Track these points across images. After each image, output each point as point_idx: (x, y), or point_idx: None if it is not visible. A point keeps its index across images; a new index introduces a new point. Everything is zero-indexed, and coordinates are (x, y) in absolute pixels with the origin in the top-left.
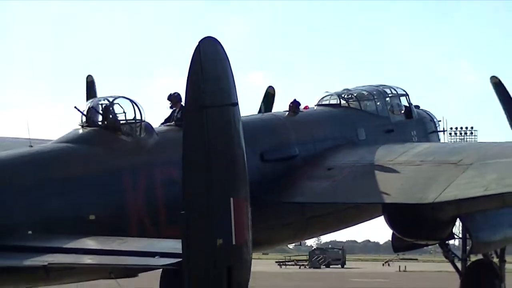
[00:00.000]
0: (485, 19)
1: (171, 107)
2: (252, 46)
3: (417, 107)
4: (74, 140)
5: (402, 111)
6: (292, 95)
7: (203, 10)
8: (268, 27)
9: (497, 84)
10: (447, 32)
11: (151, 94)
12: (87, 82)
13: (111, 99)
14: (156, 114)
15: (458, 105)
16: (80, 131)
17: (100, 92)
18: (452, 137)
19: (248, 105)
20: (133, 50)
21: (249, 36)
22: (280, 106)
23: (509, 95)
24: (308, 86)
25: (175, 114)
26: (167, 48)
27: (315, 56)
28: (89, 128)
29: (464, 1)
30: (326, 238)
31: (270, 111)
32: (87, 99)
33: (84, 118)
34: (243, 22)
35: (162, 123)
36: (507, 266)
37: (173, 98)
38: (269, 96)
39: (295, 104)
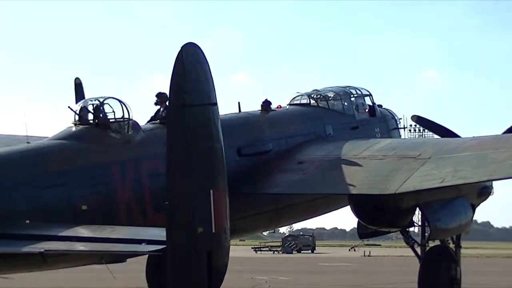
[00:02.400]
0: (445, 21)
1: (156, 104)
2: (238, 48)
3: (380, 106)
4: (67, 137)
5: (366, 110)
6: (273, 94)
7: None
8: (254, 30)
9: (419, 119)
10: (410, 35)
11: (146, 94)
12: (75, 84)
13: (101, 100)
14: (149, 112)
15: (418, 104)
16: (73, 128)
17: (93, 92)
18: (412, 134)
19: (234, 103)
20: (128, 53)
21: (235, 38)
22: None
23: (432, 122)
24: (289, 85)
25: (160, 113)
26: (160, 50)
27: (296, 56)
28: (81, 126)
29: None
30: (297, 225)
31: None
32: (76, 100)
33: (76, 117)
34: (231, 25)
35: (148, 121)
36: (462, 251)
37: (161, 97)
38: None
39: (266, 104)
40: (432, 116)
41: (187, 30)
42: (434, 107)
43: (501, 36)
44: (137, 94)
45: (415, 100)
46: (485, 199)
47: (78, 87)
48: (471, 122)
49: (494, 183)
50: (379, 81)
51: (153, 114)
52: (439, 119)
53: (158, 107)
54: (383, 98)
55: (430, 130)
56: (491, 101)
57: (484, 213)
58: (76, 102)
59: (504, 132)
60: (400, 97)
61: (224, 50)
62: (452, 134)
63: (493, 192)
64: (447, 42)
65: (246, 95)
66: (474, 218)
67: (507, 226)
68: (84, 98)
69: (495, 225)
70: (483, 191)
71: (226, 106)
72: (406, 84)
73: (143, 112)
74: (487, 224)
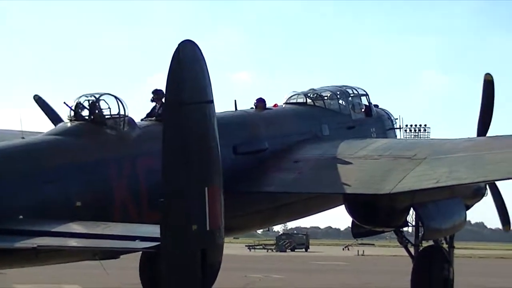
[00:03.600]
0: (445, 21)
1: (153, 100)
2: (240, 47)
3: (376, 106)
4: (63, 133)
5: (363, 110)
6: (274, 93)
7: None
8: (256, 29)
9: (489, 82)
10: (409, 36)
11: (145, 92)
12: (36, 101)
13: (97, 96)
14: (146, 110)
15: (413, 104)
16: (69, 124)
17: (92, 90)
18: (407, 134)
19: (235, 101)
20: (129, 52)
21: (237, 38)
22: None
23: (493, 97)
24: (290, 85)
25: (157, 110)
26: (161, 49)
27: (297, 56)
28: (76, 122)
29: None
30: (292, 224)
31: None
32: (46, 113)
33: (72, 113)
34: (231, 25)
35: (144, 118)
36: (455, 251)
37: (158, 94)
38: None
39: (260, 102)
40: (430, 115)
41: (189, 29)
42: (433, 107)
43: (501, 37)
44: (137, 93)
45: (414, 100)
46: (479, 200)
47: (41, 102)
48: (469, 122)
49: (489, 185)
50: (379, 80)
51: (149, 111)
52: (436, 119)
53: (154, 104)
54: (382, 98)
55: (484, 101)
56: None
57: (478, 214)
58: (47, 114)
59: (477, 131)
60: (399, 97)
61: (226, 49)
62: None
63: (487, 193)
64: (447, 42)
65: (248, 94)
66: (468, 219)
67: (501, 227)
68: (51, 109)
69: (489, 226)
70: (477, 192)
71: (226, 105)
72: (405, 84)
73: (141, 110)
74: (480, 225)
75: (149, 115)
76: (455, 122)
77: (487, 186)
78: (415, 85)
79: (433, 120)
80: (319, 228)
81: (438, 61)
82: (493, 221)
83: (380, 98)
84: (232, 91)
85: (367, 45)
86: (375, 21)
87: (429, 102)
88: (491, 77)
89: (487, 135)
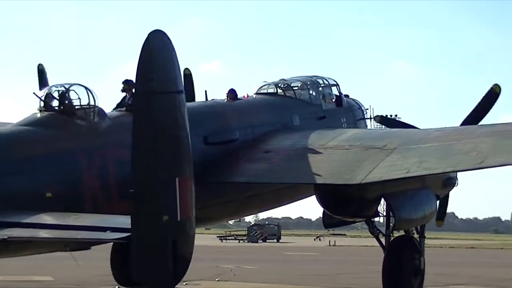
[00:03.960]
0: (416, 13)
1: (123, 91)
2: (210, 37)
3: (347, 96)
4: (32, 123)
5: (333, 100)
6: (246, 83)
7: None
8: (224, 19)
9: (383, 119)
10: (380, 27)
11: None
12: (38, 71)
13: (67, 86)
14: (116, 100)
15: (384, 95)
16: (38, 115)
17: (60, 79)
18: (378, 124)
19: (206, 92)
20: (96, 40)
21: (206, 27)
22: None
23: (396, 121)
24: (262, 75)
25: (127, 100)
26: (130, 38)
27: (269, 46)
28: (46, 113)
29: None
30: (263, 215)
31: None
32: (39, 87)
33: (42, 103)
34: (201, 15)
35: (114, 109)
36: (426, 241)
37: (128, 84)
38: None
39: (231, 93)
40: (401, 105)
41: (157, 18)
42: (403, 97)
43: (471, 28)
44: (105, 82)
45: (384, 90)
46: (450, 190)
47: (41, 73)
48: (439, 113)
49: (459, 175)
50: (349, 70)
51: (119, 101)
52: (406, 110)
53: (125, 94)
54: (353, 88)
55: (481, 105)
56: (459, 91)
57: (448, 204)
58: (40, 89)
59: (462, 124)
60: (370, 87)
61: (197, 39)
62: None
63: (457, 183)
64: (418, 33)
65: (220, 84)
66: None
67: (471, 217)
68: (48, 84)
69: (460, 216)
70: (448, 182)
71: (198, 95)
72: (376, 74)
73: (110, 100)
74: (451, 215)
75: (119, 105)
76: (425, 113)
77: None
78: (386, 76)
79: (403, 110)
80: (291, 219)
81: (410, 52)
82: (464, 211)
83: (350, 88)
84: (204, 81)
85: (338, 35)
86: (347, 12)
87: (400, 93)
88: (499, 88)
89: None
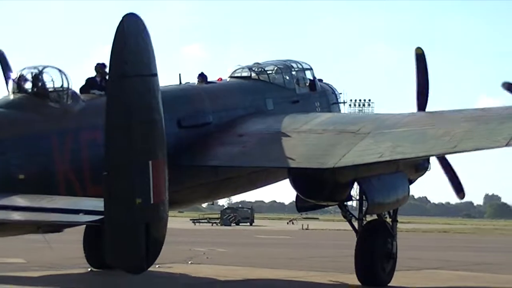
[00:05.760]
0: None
1: (96, 73)
2: (189, 20)
3: (321, 80)
4: (5, 105)
5: (307, 84)
6: (226, 66)
7: None
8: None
9: (421, 54)
10: (354, 10)
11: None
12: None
13: (40, 68)
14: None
15: (358, 79)
16: (11, 97)
17: (38, 62)
18: (352, 108)
19: (185, 75)
20: (72, 24)
21: (186, 11)
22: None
23: (427, 68)
24: (242, 59)
25: (99, 83)
26: (106, 21)
27: (250, 30)
28: (19, 95)
29: None
30: (236, 198)
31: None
32: (3, 71)
33: (15, 85)
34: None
35: (82, 88)
36: (398, 225)
37: (101, 68)
38: None
39: (202, 77)
40: (374, 90)
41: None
42: (377, 82)
43: (448, 15)
44: (81, 66)
45: (358, 75)
46: (422, 175)
47: (1, 58)
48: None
49: (432, 159)
50: (323, 54)
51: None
52: (380, 94)
53: (89, 77)
54: (326, 72)
55: (418, 75)
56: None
57: (421, 188)
58: (5, 74)
59: (416, 102)
60: (343, 71)
61: (176, 22)
62: None
63: (430, 168)
64: (396, 16)
65: (199, 68)
66: (411, 194)
67: (443, 202)
68: (10, 69)
69: (432, 201)
70: (421, 167)
71: (176, 77)
72: (349, 58)
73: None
74: (423, 200)
75: (83, 88)
76: (399, 97)
77: (438, 159)
78: (360, 60)
79: (377, 95)
80: (264, 202)
81: (384, 35)
82: (436, 196)
83: (324, 73)
84: (182, 64)
85: (313, 19)
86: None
87: (374, 77)
88: (422, 50)
89: (427, 108)
